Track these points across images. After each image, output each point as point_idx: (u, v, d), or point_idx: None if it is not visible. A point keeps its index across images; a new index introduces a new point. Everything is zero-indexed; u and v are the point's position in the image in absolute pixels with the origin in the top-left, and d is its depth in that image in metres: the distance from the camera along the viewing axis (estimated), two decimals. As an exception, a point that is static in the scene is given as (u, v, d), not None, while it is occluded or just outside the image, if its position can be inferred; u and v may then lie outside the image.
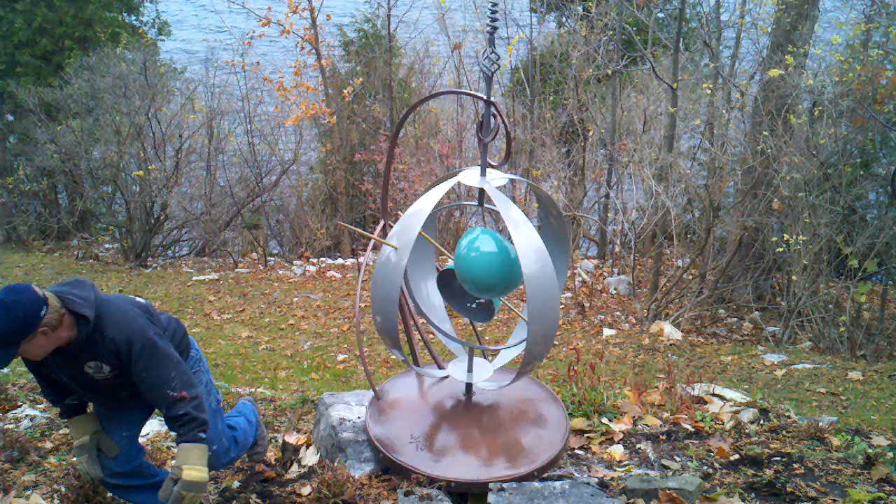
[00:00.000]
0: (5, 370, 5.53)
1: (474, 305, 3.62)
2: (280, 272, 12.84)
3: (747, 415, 4.23)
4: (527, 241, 3.14)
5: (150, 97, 13.54)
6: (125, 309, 3.00)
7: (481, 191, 3.46)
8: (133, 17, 17.99)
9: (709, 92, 11.92)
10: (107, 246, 15.34)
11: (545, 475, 3.34)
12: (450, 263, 3.57)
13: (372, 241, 3.81)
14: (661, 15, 16.27)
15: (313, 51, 15.01)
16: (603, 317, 10.53)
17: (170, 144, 14.24)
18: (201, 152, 15.38)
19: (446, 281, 3.65)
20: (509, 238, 3.27)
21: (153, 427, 4.25)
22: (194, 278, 12.08)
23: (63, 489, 3.39)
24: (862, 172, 10.31)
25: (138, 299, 3.17)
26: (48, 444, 3.98)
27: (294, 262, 13.87)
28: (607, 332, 9.54)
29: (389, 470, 3.39)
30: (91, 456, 3.12)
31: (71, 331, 2.85)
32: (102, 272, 12.34)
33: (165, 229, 15.05)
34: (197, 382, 3.06)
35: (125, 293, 10.65)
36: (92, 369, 2.94)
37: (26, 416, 4.43)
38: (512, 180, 3.61)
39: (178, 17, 24.00)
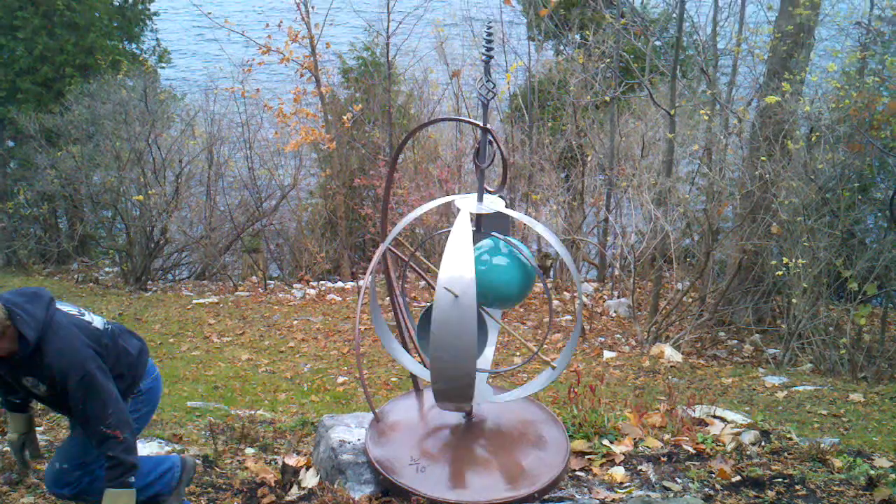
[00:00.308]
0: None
1: None
2: (280, 295, 12.84)
3: (749, 436, 4.23)
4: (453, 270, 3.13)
5: (150, 123, 13.61)
6: (71, 338, 2.98)
7: (479, 216, 3.48)
8: (133, 46, 18.14)
9: (706, 118, 11.99)
10: (107, 269, 15.36)
11: (546, 497, 3.33)
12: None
13: (372, 265, 3.82)
14: (658, 43, 16.38)
15: (313, 78, 15.11)
16: (603, 339, 10.52)
17: (170, 169, 14.29)
18: (201, 177, 15.44)
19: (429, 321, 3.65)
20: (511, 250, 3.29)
21: (153, 449, 4.24)
22: (194, 301, 12.08)
23: (62, 511, 3.38)
24: (860, 197, 10.35)
25: (96, 323, 3.15)
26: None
27: (294, 286, 13.87)
28: (608, 354, 9.54)
29: (389, 492, 3.39)
30: (16, 453, 3.15)
31: (13, 344, 2.86)
32: (102, 295, 12.34)
33: (165, 253, 15.07)
34: (132, 422, 3.03)
35: (125, 316, 10.69)
36: (29, 383, 2.95)
37: (25, 438, 4.41)
38: (509, 203, 3.63)
39: (178, 45, 24.15)
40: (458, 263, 3.14)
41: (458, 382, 3.25)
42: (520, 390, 3.84)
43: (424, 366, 4.17)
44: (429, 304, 3.74)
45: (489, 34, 3.34)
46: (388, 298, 3.69)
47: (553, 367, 3.64)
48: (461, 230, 3.22)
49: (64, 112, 14.24)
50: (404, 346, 4.08)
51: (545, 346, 3.59)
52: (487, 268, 3.30)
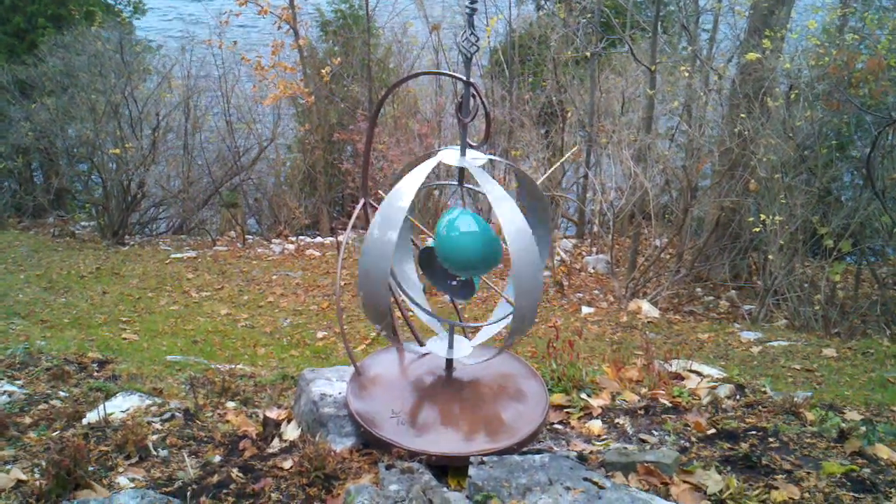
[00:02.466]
0: (-18, 347, 5.51)
1: (455, 283, 3.65)
2: (258, 250, 12.82)
3: (724, 390, 4.29)
4: (510, 217, 3.15)
5: (126, 75, 13.43)
6: None
7: (461, 170, 3.48)
8: (107, -4, 17.83)
9: (686, 75, 11.98)
10: (83, 224, 15.23)
11: (525, 449, 3.38)
12: (429, 241, 3.58)
13: (352, 220, 3.82)
14: (639, -2, 16.30)
15: (291, 31, 14.92)
16: (581, 295, 10.60)
17: (146, 123, 14.12)
18: (178, 131, 15.28)
19: (428, 260, 3.67)
20: (488, 217, 3.30)
21: (133, 403, 4.25)
22: (172, 256, 12.03)
23: (43, 464, 3.39)
24: (837, 155, 10.42)
25: None
26: (27, 420, 3.97)
27: (272, 241, 13.84)
28: (586, 310, 9.61)
29: (370, 444, 3.42)
30: None
31: None
32: (79, 250, 12.25)
33: (143, 207, 14.96)
34: None
35: (102, 270, 10.63)
36: None
37: (4, 391, 4.41)
38: (491, 160, 3.62)
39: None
40: (516, 217, 3.17)
41: (534, 311, 3.33)
42: (484, 331, 3.91)
43: (405, 319, 4.19)
44: (424, 247, 3.74)
45: (472, -15, 3.29)
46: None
47: (511, 304, 3.66)
48: (420, 170, 3.27)
49: (37, 63, 14.01)
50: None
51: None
52: (456, 234, 3.33)
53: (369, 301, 3.33)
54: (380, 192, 3.66)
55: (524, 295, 3.20)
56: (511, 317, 3.76)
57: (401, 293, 3.93)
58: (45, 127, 13.77)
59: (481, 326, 3.95)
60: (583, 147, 14.27)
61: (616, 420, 3.89)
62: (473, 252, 3.32)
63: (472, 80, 3.30)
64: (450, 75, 4.28)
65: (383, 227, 3.18)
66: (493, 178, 3.36)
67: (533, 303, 3.26)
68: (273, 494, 3.10)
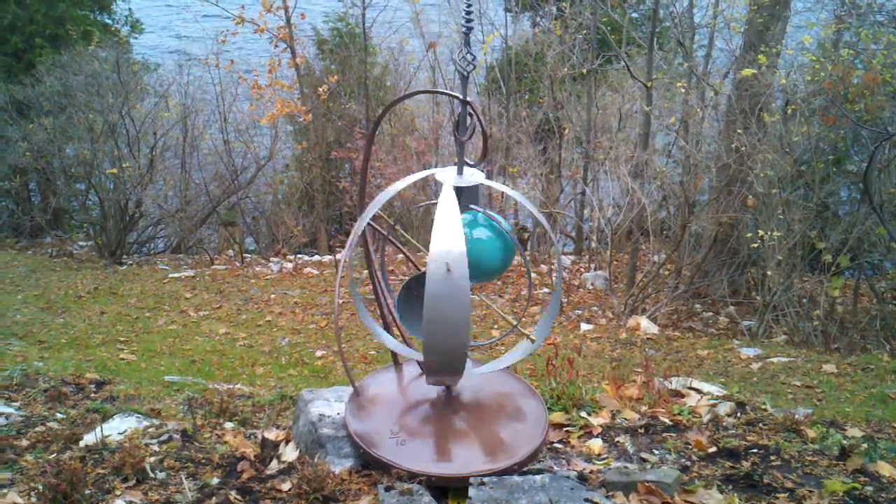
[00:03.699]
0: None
1: None
2: (257, 269, 12.80)
3: (724, 408, 4.27)
4: (443, 245, 3.14)
5: (123, 95, 13.45)
6: None
7: (459, 189, 3.47)
8: (105, 16, 17.86)
9: (683, 90, 12.01)
10: (81, 244, 15.22)
11: (525, 469, 3.36)
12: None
13: (351, 238, 3.81)
14: (635, 15, 16.35)
15: (288, 49, 14.97)
16: (580, 312, 10.58)
17: (144, 142, 14.14)
18: (176, 150, 15.30)
19: (411, 294, 3.64)
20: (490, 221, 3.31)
21: (130, 424, 4.22)
22: (170, 275, 12.01)
23: (40, 487, 3.36)
24: (834, 169, 10.43)
25: None
26: (24, 442, 3.94)
27: (270, 259, 13.83)
28: (585, 326, 9.59)
29: (369, 465, 3.39)
30: None
31: None
32: (77, 269, 12.23)
33: (140, 227, 14.95)
34: None
35: (100, 290, 10.60)
36: None
37: (1, 413, 4.39)
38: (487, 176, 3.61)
39: (150, 16, 23.81)
40: (448, 236, 3.13)
41: (451, 356, 3.26)
42: (497, 362, 3.86)
43: (404, 339, 4.18)
44: (409, 276, 3.73)
45: (469, 4, 3.30)
46: (365, 272, 3.70)
47: (532, 341, 3.65)
48: (447, 203, 3.21)
49: (35, 83, 14.04)
50: (383, 319, 4.08)
51: (524, 318, 3.63)
52: (469, 242, 3.30)
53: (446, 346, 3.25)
54: (378, 212, 3.64)
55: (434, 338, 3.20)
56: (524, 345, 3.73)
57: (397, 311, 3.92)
58: (42, 147, 13.79)
59: (481, 346, 3.93)
60: (580, 163, 14.29)
61: (616, 439, 3.87)
62: (494, 257, 3.33)
63: (468, 98, 3.30)
64: (447, 94, 4.29)
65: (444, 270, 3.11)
66: (490, 195, 3.36)
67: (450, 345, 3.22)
68: (272, 517, 3.08)
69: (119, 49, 14.70)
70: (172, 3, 25.09)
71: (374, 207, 3.46)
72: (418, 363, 4.07)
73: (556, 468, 3.51)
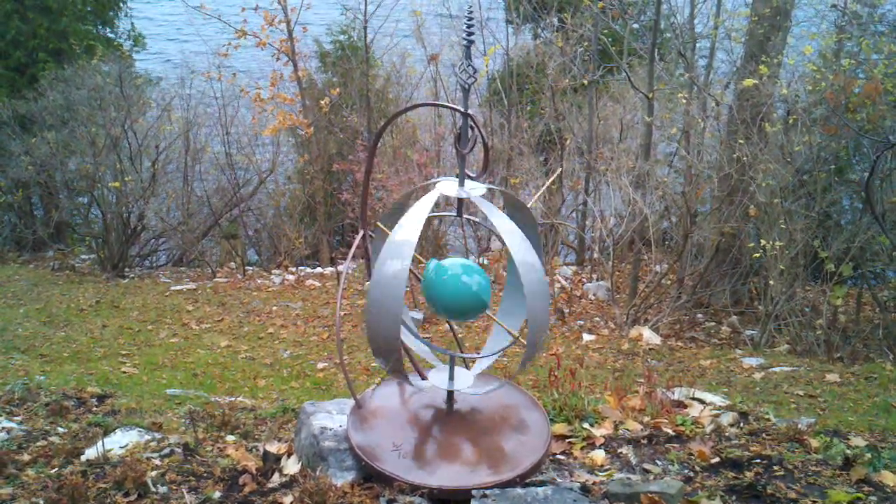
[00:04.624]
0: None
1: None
2: (258, 281, 12.80)
3: (727, 418, 4.26)
4: (520, 251, 3.19)
5: (125, 109, 13.49)
6: None
7: (460, 201, 3.48)
8: (108, 30, 17.93)
9: (684, 101, 12.02)
10: (83, 257, 15.23)
11: (528, 481, 3.35)
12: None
13: (352, 251, 3.81)
14: (636, 26, 16.39)
15: (289, 62, 15.02)
16: (582, 322, 10.57)
17: (146, 155, 14.17)
18: (178, 163, 15.33)
19: None
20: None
21: (132, 438, 4.22)
22: (172, 288, 12.01)
23: (41, 502, 3.36)
24: (836, 179, 10.43)
25: None
26: (26, 457, 3.93)
27: (272, 271, 13.83)
28: (587, 337, 9.58)
29: (372, 478, 3.39)
30: None
31: None
32: (79, 283, 12.24)
33: (142, 240, 14.97)
34: None
35: (102, 304, 10.61)
36: None
37: (2, 428, 4.38)
38: (490, 190, 3.61)
39: (153, 30, 23.91)
40: (409, 229, 3.17)
41: (385, 339, 3.30)
42: (484, 360, 3.89)
43: (405, 350, 4.17)
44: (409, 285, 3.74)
45: (469, 18, 3.31)
46: (367, 284, 3.70)
47: (516, 337, 3.66)
48: (425, 203, 3.25)
49: (38, 98, 14.08)
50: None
51: (524, 328, 3.64)
52: (447, 279, 3.35)
53: (379, 337, 3.31)
54: (379, 223, 3.65)
55: (536, 327, 3.23)
56: (508, 343, 3.77)
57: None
58: (44, 161, 13.83)
59: (482, 357, 3.92)
60: (581, 174, 14.29)
61: (619, 450, 3.86)
62: (457, 300, 3.36)
63: (470, 110, 3.31)
64: (448, 107, 4.30)
65: (392, 259, 3.17)
66: (494, 206, 3.36)
67: (542, 334, 3.29)
68: (273, 530, 3.07)
69: (122, 63, 14.75)
70: (175, 17, 25.18)
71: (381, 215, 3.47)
72: (420, 375, 4.06)
73: (558, 480, 3.50)
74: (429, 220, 12.77)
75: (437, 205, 3.77)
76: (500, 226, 3.22)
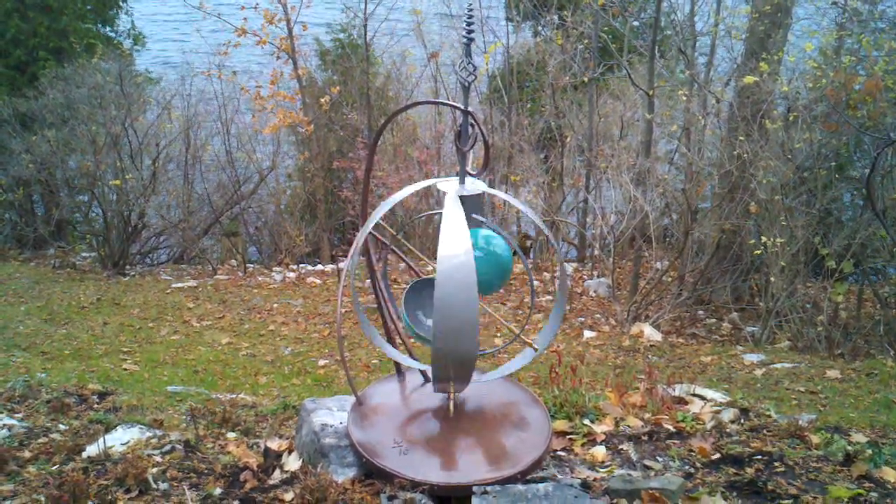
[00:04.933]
0: (-18, 381, 5.48)
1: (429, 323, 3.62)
2: (259, 279, 12.80)
3: (728, 414, 4.26)
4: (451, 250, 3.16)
5: (126, 107, 13.49)
6: None
7: (461, 198, 3.48)
8: (108, 29, 17.92)
9: (685, 98, 12.01)
10: (84, 255, 15.23)
11: (529, 477, 3.35)
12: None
13: (353, 248, 3.81)
14: (636, 23, 16.38)
15: (290, 60, 15.02)
16: (583, 319, 10.57)
17: (146, 153, 14.17)
18: (178, 161, 15.33)
19: (417, 296, 3.64)
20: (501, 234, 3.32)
21: (133, 435, 4.22)
22: (173, 286, 12.01)
23: (42, 499, 3.36)
24: (837, 175, 10.43)
25: None
26: (27, 454, 3.94)
27: (273, 269, 13.83)
28: (588, 334, 9.58)
29: (372, 474, 3.39)
30: None
31: None
32: (80, 281, 12.24)
33: (143, 237, 14.97)
34: None
35: (103, 301, 10.62)
36: None
37: (3, 425, 4.39)
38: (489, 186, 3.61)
39: (153, 28, 23.91)
40: (456, 244, 3.14)
41: (461, 363, 3.26)
42: (502, 368, 3.86)
43: (406, 348, 4.17)
44: (414, 280, 3.73)
45: (470, 15, 3.31)
46: (368, 281, 3.70)
47: (535, 349, 3.65)
48: (452, 210, 3.22)
49: (38, 96, 14.08)
50: (385, 328, 4.08)
51: (527, 326, 3.61)
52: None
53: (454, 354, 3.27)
54: (379, 220, 3.64)
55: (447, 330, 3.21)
56: (528, 352, 3.75)
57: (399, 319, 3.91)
58: (45, 159, 13.82)
59: (484, 354, 3.92)
60: (582, 171, 14.29)
61: (620, 446, 3.86)
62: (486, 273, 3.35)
63: (470, 108, 3.31)
64: (448, 104, 4.30)
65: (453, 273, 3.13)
66: (493, 205, 3.36)
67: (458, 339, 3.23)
68: (274, 527, 3.07)
69: (122, 61, 14.75)
70: (175, 15, 25.18)
71: (375, 216, 3.46)
72: (422, 372, 4.06)
73: (559, 476, 3.51)
74: (429, 219, 12.77)
75: (438, 202, 3.77)
76: (447, 216, 3.17)
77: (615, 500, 3.17)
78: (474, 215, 3.51)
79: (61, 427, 4.41)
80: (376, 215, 3.45)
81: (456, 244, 3.14)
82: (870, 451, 3.61)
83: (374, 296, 4.04)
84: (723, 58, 14.02)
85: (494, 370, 3.93)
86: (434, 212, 3.21)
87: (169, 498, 3.41)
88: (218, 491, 3.50)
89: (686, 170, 11.90)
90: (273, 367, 8.16)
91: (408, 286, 3.76)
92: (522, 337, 3.67)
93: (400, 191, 3.38)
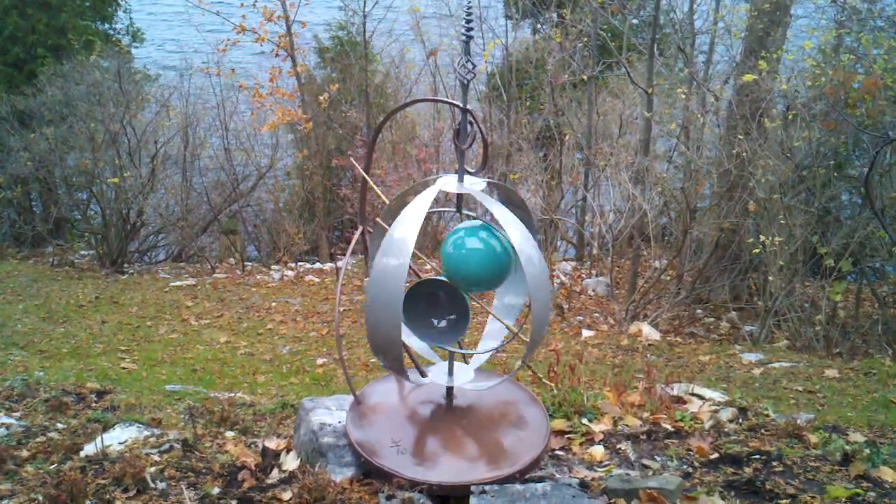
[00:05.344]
0: (-20, 379, 5.48)
1: (443, 324, 3.61)
2: (258, 277, 12.80)
3: (726, 414, 4.26)
4: (520, 242, 3.17)
5: (124, 104, 13.47)
6: None
7: (459, 196, 3.48)
8: (106, 26, 17.89)
9: (683, 97, 12.01)
10: (82, 252, 15.22)
11: (527, 477, 3.35)
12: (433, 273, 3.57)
13: (351, 246, 3.81)
14: (635, 21, 16.37)
15: (288, 58, 15.01)
16: (581, 318, 10.57)
17: (145, 151, 14.16)
18: (177, 159, 15.32)
19: (414, 299, 3.64)
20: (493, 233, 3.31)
21: (131, 434, 4.22)
22: (171, 284, 12.01)
23: (40, 498, 3.36)
24: (835, 174, 10.43)
25: None
26: (25, 453, 3.93)
27: (272, 267, 13.82)
28: (586, 333, 9.58)
29: (371, 474, 3.39)
30: None
31: None
32: (78, 279, 12.23)
33: (141, 235, 14.96)
34: None
35: (101, 299, 10.61)
36: None
37: (1, 424, 4.38)
38: (490, 184, 3.61)
39: (151, 25, 23.87)
40: (408, 228, 3.16)
41: (386, 336, 3.29)
42: (479, 356, 3.89)
43: (405, 348, 4.17)
44: (415, 281, 3.73)
45: (469, 13, 3.30)
46: (366, 279, 3.69)
47: (512, 331, 3.66)
48: (424, 199, 3.24)
49: (36, 93, 14.06)
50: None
51: (525, 326, 3.60)
52: (457, 248, 3.34)
53: (378, 334, 3.30)
54: (378, 219, 3.64)
55: (539, 322, 3.24)
56: (504, 338, 3.77)
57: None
58: (43, 156, 13.81)
59: (482, 353, 3.91)
60: (580, 170, 14.28)
61: (618, 445, 3.86)
62: (483, 269, 3.33)
63: (469, 105, 3.30)
64: (447, 102, 4.30)
65: (391, 256, 3.17)
66: (494, 199, 3.36)
67: (544, 328, 3.31)
68: (272, 526, 3.07)
69: (120, 59, 14.73)
70: (173, 12, 25.15)
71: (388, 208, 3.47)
72: (419, 370, 4.06)
73: (557, 475, 3.50)
74: (428, 216, 12.77)
75: (436, 200, 3.77)
76: (501, 217, 3.21)
77: (613, 500, 3.17)
78: (467, 212, 3.52)
79: (59, 426, 4.41)
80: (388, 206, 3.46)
81: (406, 227, 3.18)
82: (868, 451, 3.61)
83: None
84: (722, 56, 14.03)
85: (474, 356, 3.96)
86: (434, 210, 3.23)
87: (167, 497, 3.41)
88: (216, 490, 3.50)
89: (685, 168, 11.90)
90: (271, 366, 8.16)
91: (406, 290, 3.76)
92: (521, 336, 3.67)
93: (413, 202, 3.35)
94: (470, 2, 3.44)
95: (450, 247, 3.37)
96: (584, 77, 14.22)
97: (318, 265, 14.21)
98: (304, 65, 15.66)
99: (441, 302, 3.54)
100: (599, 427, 4.05)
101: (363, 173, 3.82)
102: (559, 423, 4.06)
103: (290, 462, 3.73)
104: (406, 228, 3.19)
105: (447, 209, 4.92)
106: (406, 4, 15.90)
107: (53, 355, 7.88)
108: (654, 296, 11.11)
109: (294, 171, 16.99)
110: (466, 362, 4.07)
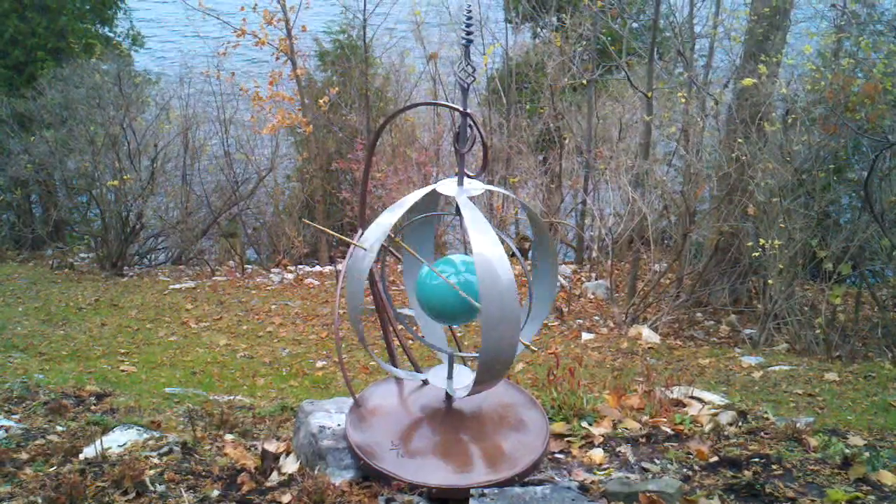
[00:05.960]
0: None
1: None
2: (258, 280, 12.80)
3: (726, 417, 4.26)
4: (484, 249, 3.12)
5: (124, 107, 13.48)
6: None
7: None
8: (107, 29, 17.90)
9: (683, 100, 12.02)
10: (82, 255, 15.22)
11: (526, 480, 3.34)
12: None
13: (351, 249, 3.81)
14: (635, 25, 16.39)
15: (289, 61, 15.02)
16: (581, 321, 10.56)
17: (145, 154, 14.16)
18: (177, 162, 15.33)
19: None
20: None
21: (130, 437, 4.21)
22: (171, 287, 12.00)
23: (40, 500, 3.35)
24: (835, 178, 10.43)
25: None
26: (24, 455, 3.93)
27: (271, 270, 13.82)
28: (586, 336, 9.58)
29: (370, 477, 3.38)
30: None
31: None
32: (78, 281, 12.23)
33: (141, 238, 14.95)
34: None
35: (101, 302, 10.60)
36: None
37: (1, 426, 4.38)
38: (489, 189, 3.61)
39: (152, 28, 23.88)
40: (486, 243, 3.12)
41: (504, 356, 3.27)
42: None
43: (404, 350, 4.17)
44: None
45: (469, 17, 3.30)
46: (366, 282, 3.69)
47: (529, 349, 3.65)
48: (471, 212, 3.20)
49: (37, 96, 14.07)
50: (384, 331, 4.07)
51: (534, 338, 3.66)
52: (433, 283, 3.37)
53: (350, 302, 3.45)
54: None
55: (491, 331, 3.14)
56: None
57: (399, 321, 3.91)
58: (43, 159, 13.82)
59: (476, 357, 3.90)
60: (580, 173, 14.29)
61: (618, 448, 3.86)
62: (446, 303, 3.35)
63: (469, 109, 3.30)
64: (447, 106, 4.30)
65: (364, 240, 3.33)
66: (492, 205, 3.36)
67: (500, 340, 3.17)
68: (272, 529, 3.06)
69: (120, 62, 14.74)
70: (174, 16, 25.16)
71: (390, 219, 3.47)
72: (416, 368, 4.06)
73: (557, 478, 3.50)
74: (427, 220, 12.77)
75: (436, 205, 3.77)
76: (472, 223, 3.14)
77: (613, 503, 3.17)
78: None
79: (59, 428, 4.40)
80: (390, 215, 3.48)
81: (487, 243, 3.12)
82: (868, 454, 3.61)
83: (372, 297, 4.04)
84: (721, 60, 14.04)
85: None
86: (433, 213, 3.22)
87: (166, 500, 3.40)
88: (215, 493, 3.49)
89: (684, 172, 11.90)
90: (271, 369, 8.16)
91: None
92: (522, 342, 3.67)
93: (400, 200, 3.38)
94: (470, 6, 3.44)
95: (423, 277, 3.45)
96: (584, 81, 14.24)
97: (317, 268, 14.21)
98: (305, 68, 15.67)
99: None
100: (599, 430, 4.05)
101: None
102: (559, 427, 4.06)
103: (290, 465, 3.73)
104: (389, 215, 3.34)
105: (445, 213, 4.92)
106: (407, 7, 15.92)
107: (53, 358, 7.88)
108: (653, 299, 11.11)
109: (294, 174, 17.01)
110: (470, 366, 4.07)
